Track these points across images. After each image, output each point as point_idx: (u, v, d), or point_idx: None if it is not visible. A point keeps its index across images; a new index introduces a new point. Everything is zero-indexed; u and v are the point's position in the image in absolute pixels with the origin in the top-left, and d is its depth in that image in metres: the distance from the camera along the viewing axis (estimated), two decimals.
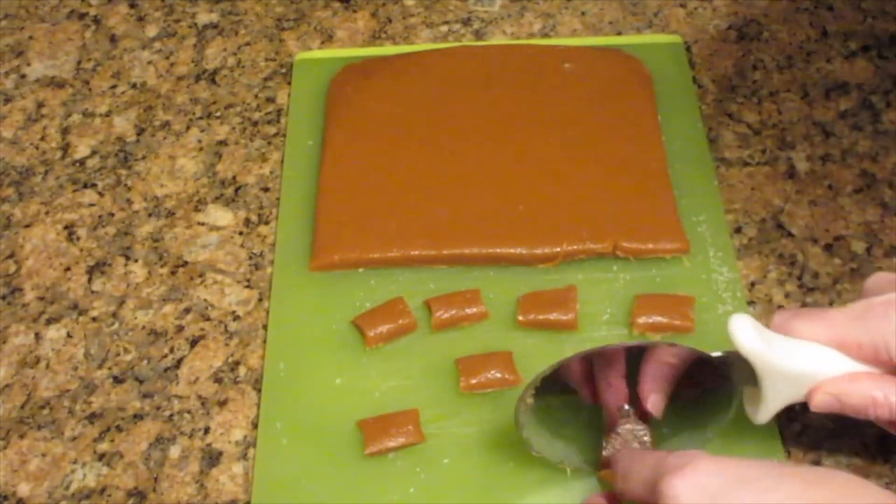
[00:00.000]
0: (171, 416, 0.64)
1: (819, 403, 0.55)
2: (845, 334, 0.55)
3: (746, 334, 0.55)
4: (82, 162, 0.78)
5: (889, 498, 0.48)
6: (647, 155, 0.73)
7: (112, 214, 0.74)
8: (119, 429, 0.64)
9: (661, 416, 0.58)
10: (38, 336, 0.68)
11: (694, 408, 0.60)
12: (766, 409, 0.57)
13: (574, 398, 0.60)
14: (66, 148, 0.79)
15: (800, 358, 0.55)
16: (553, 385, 0.57)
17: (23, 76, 0.84)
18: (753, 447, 0.60)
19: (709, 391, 0.59)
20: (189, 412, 0.64)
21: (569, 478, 0.60)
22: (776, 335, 0.56)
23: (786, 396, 0.56)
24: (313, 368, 0.65)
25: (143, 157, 0.78)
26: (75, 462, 0.63)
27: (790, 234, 0.71)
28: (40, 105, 0.81)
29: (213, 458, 0.63)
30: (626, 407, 0.59)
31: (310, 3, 0.87)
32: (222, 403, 0.65)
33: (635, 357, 0.58)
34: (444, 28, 0.85)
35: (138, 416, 0.64)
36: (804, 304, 0.67)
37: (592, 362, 0.58)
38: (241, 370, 0.66)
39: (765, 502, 0.47)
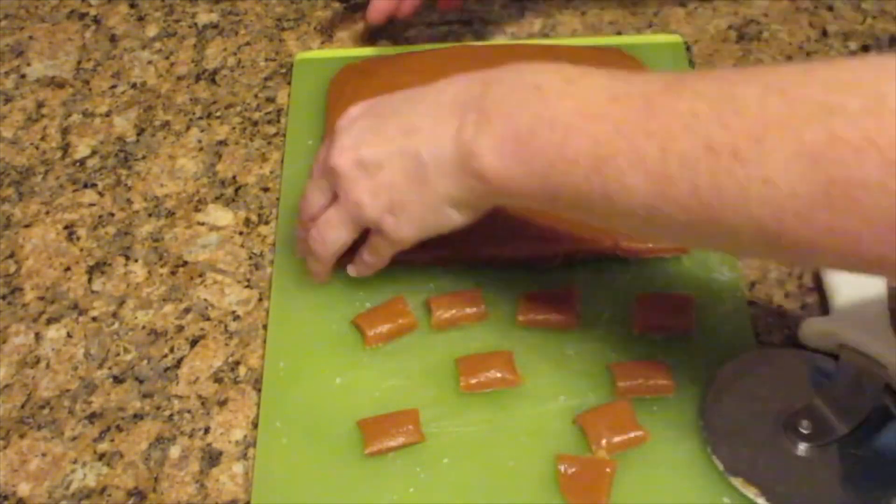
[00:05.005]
0: (171, 416, 0.64)
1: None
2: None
3: None
4: (82, 162, 0.78)
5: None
6: None
7: (112, 214, 0.74)
8: (119, 429, 0.64)
9: None
10: (38, 336, 0.68)
11: None
12: None
13: None
14: (66, 148, 0.79)
15: None
16: None
17: (23, 76, 0.84)
18: None
19: None
20: (189, 412, 0.64)
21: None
22: None
23: None
24: (313, 368, 0.65)
25: (143, 157, 0.78)
26: (75, 462, 0.63)
27: None
28: (40, 105, 0.81)
29: (213, 457, 0.62)
30: None
31: (310, 3, 0.87)
32: (222, 403, 0.65)
33: None
34: (444, 28, 0.85)
35: (138, 416, 0.64)
36: (804, 305, 0.67)
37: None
38: (241, 370, 0.66)
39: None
